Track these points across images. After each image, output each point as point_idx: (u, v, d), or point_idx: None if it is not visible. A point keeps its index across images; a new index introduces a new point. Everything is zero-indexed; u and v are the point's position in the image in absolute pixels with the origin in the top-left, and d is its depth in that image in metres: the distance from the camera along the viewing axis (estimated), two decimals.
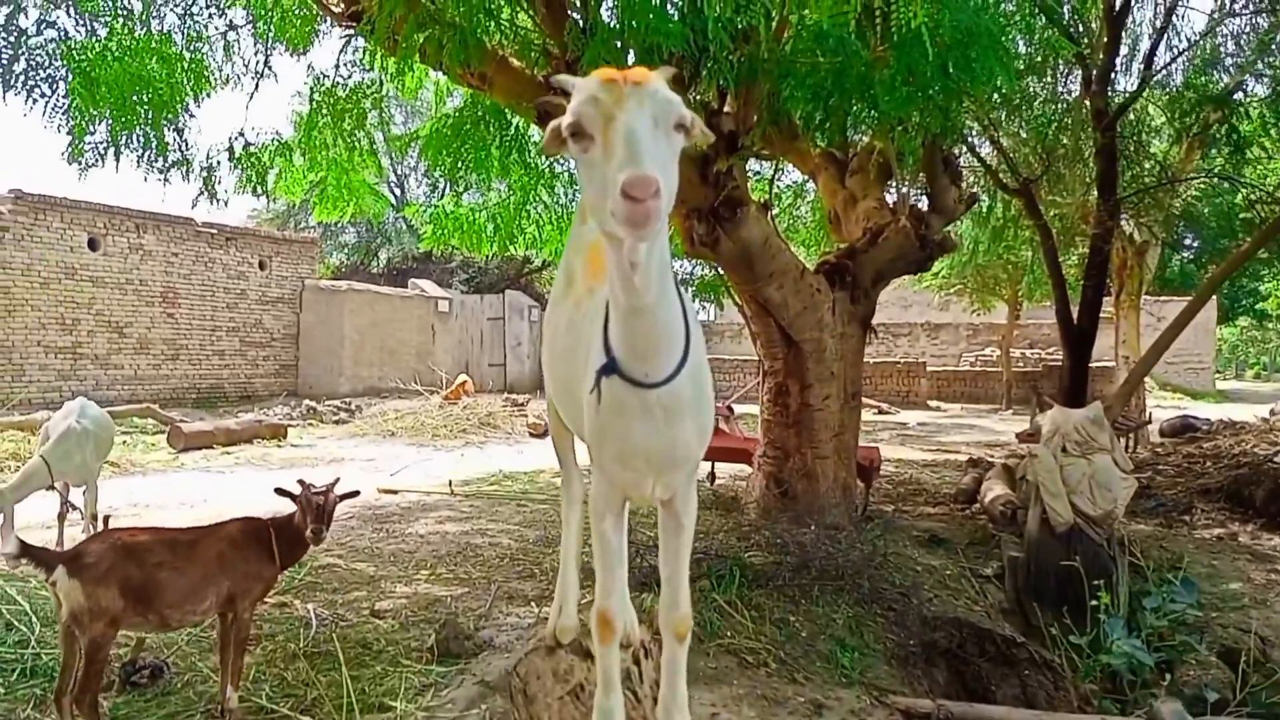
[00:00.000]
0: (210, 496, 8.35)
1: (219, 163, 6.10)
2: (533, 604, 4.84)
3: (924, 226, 7.40)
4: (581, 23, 5.43)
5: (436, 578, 5.41)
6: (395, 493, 8.65)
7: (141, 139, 5.24)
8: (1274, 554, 6.96)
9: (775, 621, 4.49)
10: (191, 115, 5.55)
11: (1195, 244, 21.53)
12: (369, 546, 6.19)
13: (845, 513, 7.02)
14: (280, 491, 3.54)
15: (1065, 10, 9.14)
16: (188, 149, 5.51)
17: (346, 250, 29.64)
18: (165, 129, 5.31)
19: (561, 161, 7.87)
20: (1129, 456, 8.39)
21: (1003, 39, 5.36)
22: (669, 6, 5.52)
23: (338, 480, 3.66)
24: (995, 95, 7.01)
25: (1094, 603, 4.74)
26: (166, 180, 5.45)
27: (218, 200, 6.25)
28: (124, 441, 11.95)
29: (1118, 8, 9.63)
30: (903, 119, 5.82)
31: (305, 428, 14.79)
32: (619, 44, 4.99)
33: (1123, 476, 5.94)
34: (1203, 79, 10.44)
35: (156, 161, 5.29)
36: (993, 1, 6.77)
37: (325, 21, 7.10)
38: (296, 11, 6.93)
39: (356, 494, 3.87)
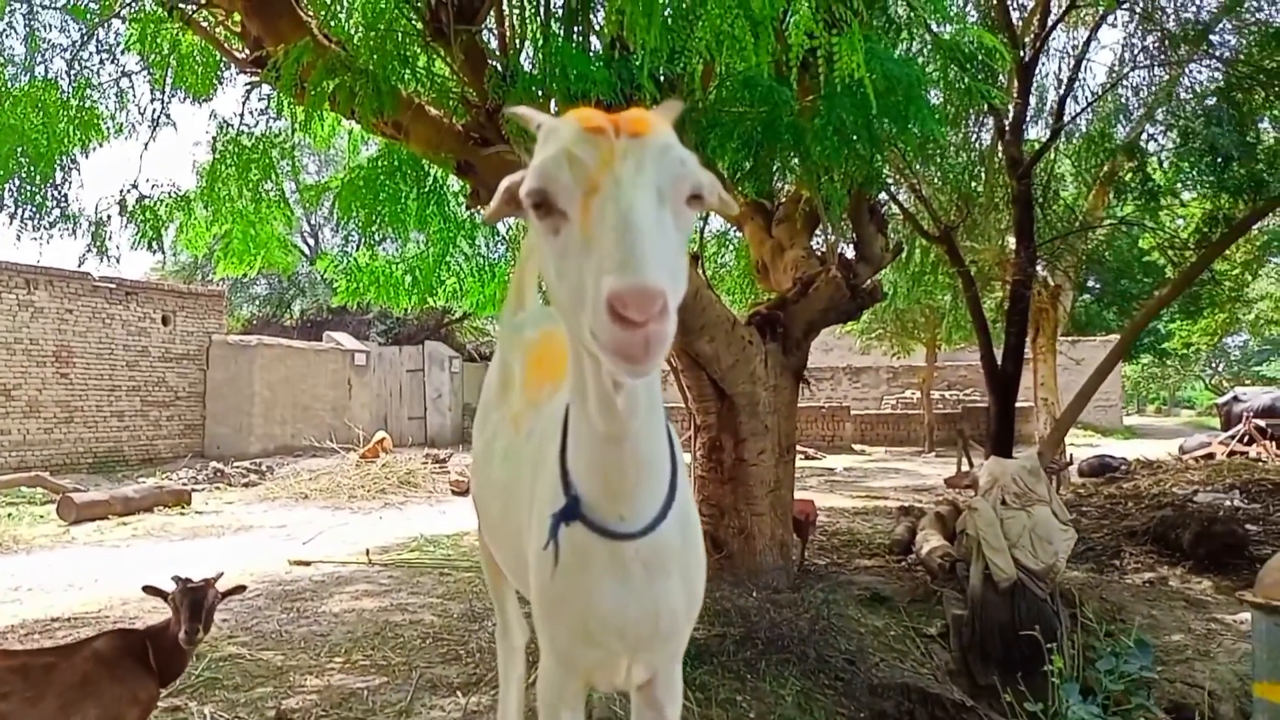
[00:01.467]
0: (102, 576, 7.67)
1: (109, 217, 5.64)
2: (458, 693, 4.44)
3: (853, 275, 7.34)
4: (501, 70, 5.21)
5: (352, 665, 4.95)
6: (308, 564, 8.09)
7: (16, 194, 4.77)
8: (1207, 599, 6.97)
9: (721, 703, 4.20)
10: (72, 167, 5.07)
11: (1098, 286, 22.34)
12: (277, 630, 5.68)
13: (784, 572, 6.81)
14: (150, 590, 3.11)
15: (975, 63, 9.39)
16: (67, 204, 5.05)
17: (258, 302, 28.66)
18: (42, 184, 4.85)
19: (483, 210, 7.60)
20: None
21: (924, 89, 5.36)
22: (590, 53, 5.36)
23: (220, 575, 3.25)
24: (921, 144, 7.01)
25: (1046, 667, 4.57)
26: (46, 239, 4.98)
27: (108, 257, 5.78)
28: (9, 515, 11.06)
29: (1027, 60, 9.90)
30: (829, 167, 5.74)
31: (211, 492, 13.96)
32: (541, 92, 4.78)
33: (1062, 528, 5.87)
34: (1108, 128, 10.81)
35: (32, 219, 4.82)
36: (913, 54, 6.84)
37: (229, 68, 6.75)
38: (197, 58, 6.57)
39: (242, 589, 3.46)
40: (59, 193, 5.11)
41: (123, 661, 2.91)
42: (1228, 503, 10.25)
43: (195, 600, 2.99)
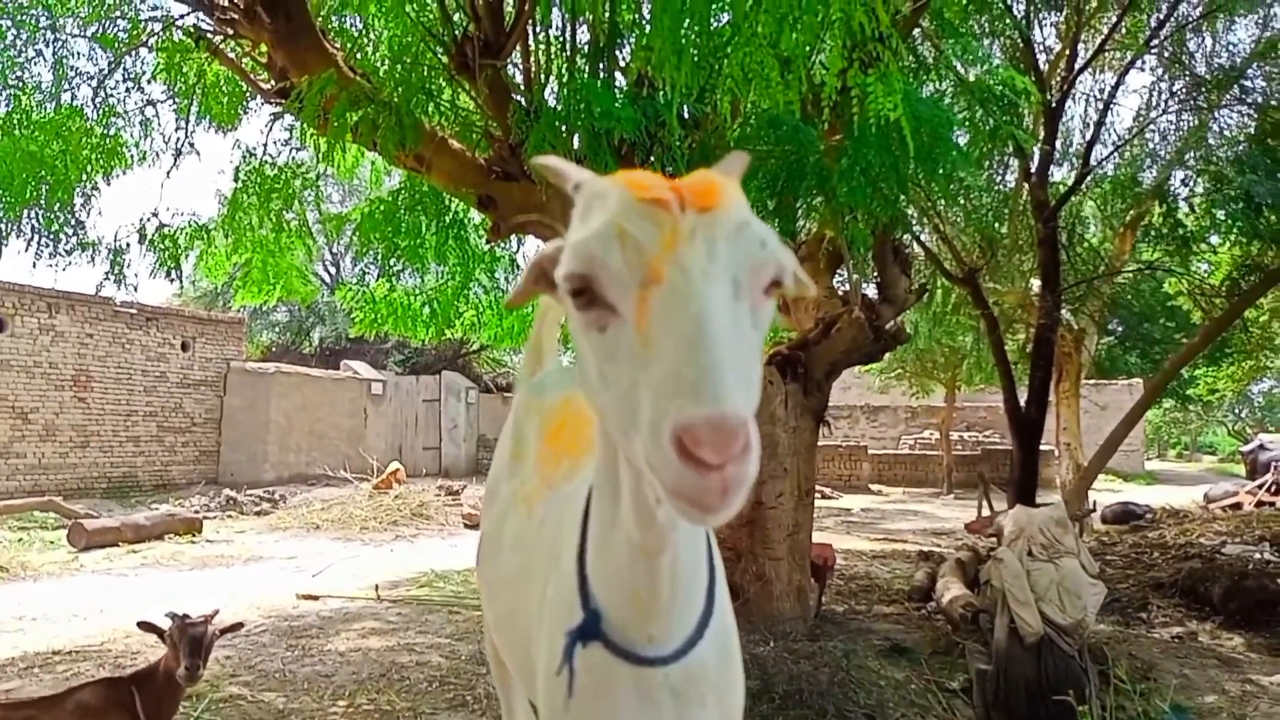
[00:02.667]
0: (108, 606, 7.57)
1: (128, 245, 5.62)
2: None
3: (876, 317, 7.23)
4: (525, 105, 5.18)
5: (355, 710, 4.82)
6: (316, 598, 7.97)
7: (35, 221, 4.75)
8: (1239, 657, 6.73)
9: None
10: (93, 194, 5.06)
11: (1120, 329, 22.12)
12: (281, 670, 5.56)
13: (801, 619, 6.64)
14: (146, 626, 3.01)
15: (1002, 104, 9.37)
16: (84, 232, 5.03)
17: (278, 330, 28.80)
18: (61, 210, 4.83)
19: (504, 244, 7.56)
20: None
21: (952, 130, 5.29)
22: (617, 91, 5.33)
23: (216, 612, 3.15)
24: (949, 185, 6.93)
25: None
26: (63, 265, 4.97)
27: (126, 284, 5.75)
28: (19, 540, 11.01)
29: (1054, 103, 9.83)
30: (853, 207, 5.66)
31: (223, 521, 13.89)
32: (564, 128, 4.74)
33: (1091, 581, 5.66)
34: (1135, 172, 10.71)
35: (48, 245, 4.79)
36: (940, 96, 6.79)
37: (255, 99, 6.78)
38: (223, 88, 6.60)
39: (239, 627, 3.36)
40: (76, 220, 5.09)
41: (108, 712, 2.79)
42: (1257, 555, 9.96)
43: (194, 637, 2.89)
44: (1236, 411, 47.47)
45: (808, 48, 3.78)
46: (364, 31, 6.60)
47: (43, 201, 4.73)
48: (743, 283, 0.94)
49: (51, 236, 4.82)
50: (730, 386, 0.84)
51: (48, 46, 5.54)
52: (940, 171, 4.87)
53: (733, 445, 0.81)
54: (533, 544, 1.52)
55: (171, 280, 6.23)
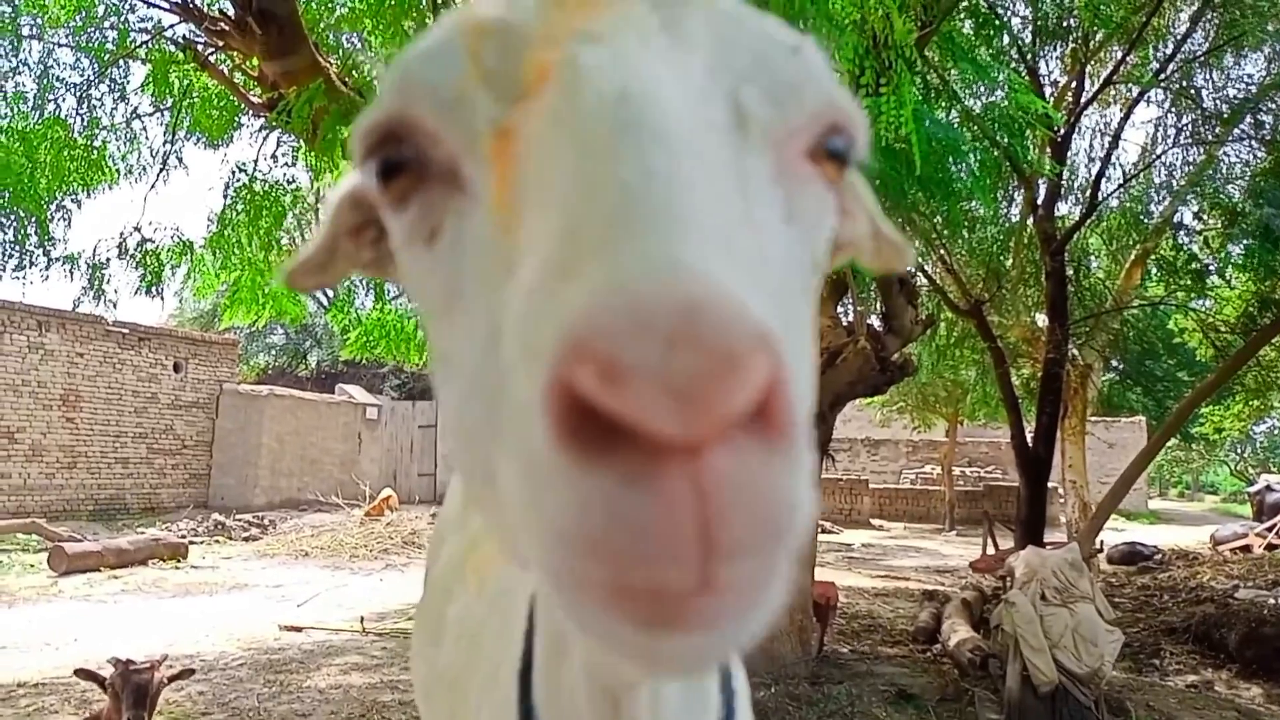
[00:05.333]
0: (82, 634, 7.29)
1: (108, 260, 5.42)
2: None
3: (881, 347, 7.03)
4: None
5: None
6: (299, 630, 7.68)
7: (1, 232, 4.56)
8: (1259, 709, 6.45)
9: None
10: (71, 207, 4.87)
11: (1120, 366, 21.93)
12: (256, 708, 5.28)
13: (803, 661, 6.37)
14: (83, 674, 2.77)
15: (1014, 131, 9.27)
16: (53, 245, 4.83)
17: (274, 352, 28.59)
18: (28, 222, 4.63)
19: None
20: None
21: (965, 154, 5.12)
22: None
23: (165, 657, 2.90)
24: (957, 212, 6.77)
25: None
26: (29, 279, 4.76)
27: (105, 300, 5.54)
28: None
29: (1060, 136, 9.70)
30: None
31: (210, 545, 13.59)
32: None
33: (1108, 628, 5.41)
34: (1143, 206, 10.57)
35: (13, 257, 4.60)
36: (948, 124, 6.63)
37: (246, 113, 6.62)
38: (214, 102, 6.44)
39: (191, 673, 3.11)
40: (45, 232, 4.89)
41: None
42: (1271, 601, 9.68)
43: (138, 685, 2.64)
44: (1239, 451, 47.19)
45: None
46: (360, 48, 6.47)
47: (10, 213, 4.54)
48: (753, 108, 0.45)
49: (17, 247, 4.63)
50: (708, 243, 0.34)
51: (34, 55, 5.39)
52: (953, 195, 4.67)
53: (716, 383, 0.30)
54: (479, 633, 1.05)
55: (153, 297, 5.96)
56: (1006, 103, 5.75)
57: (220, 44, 5.56)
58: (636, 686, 0.60)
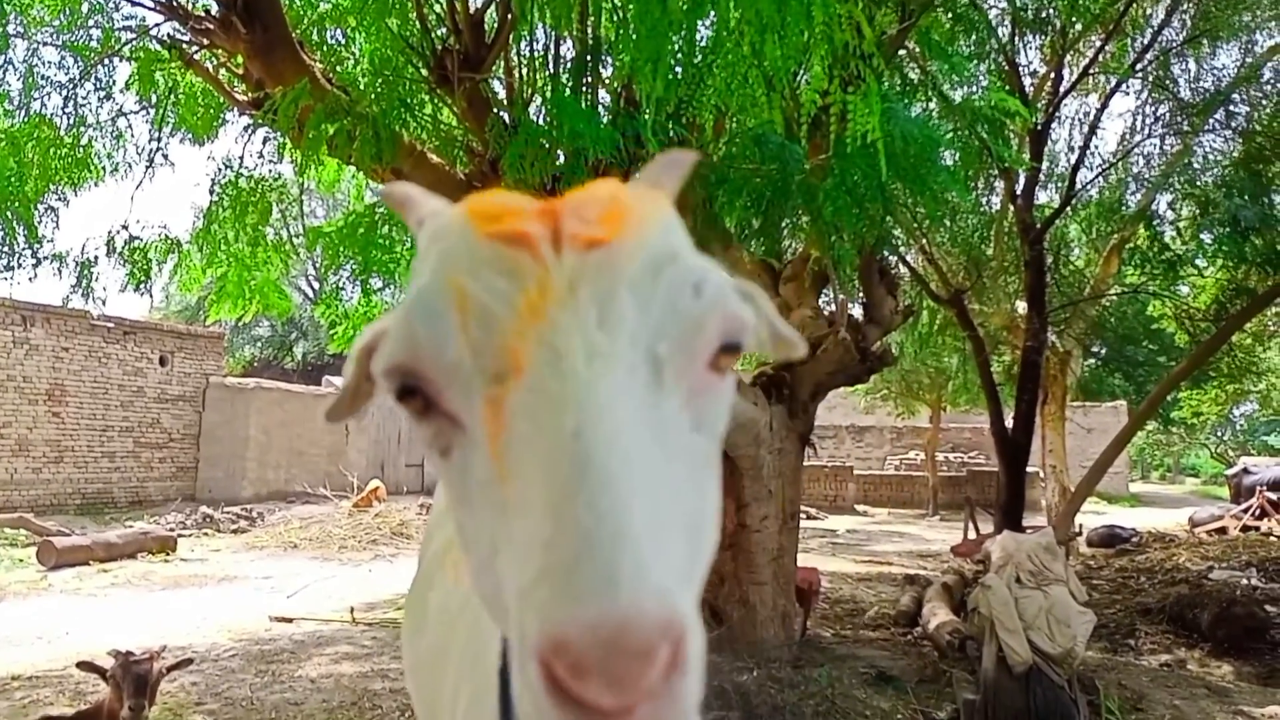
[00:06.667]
0: (74, 628, 7.35)
1: (95, 258, 5.47)
2: None
3: (862, 338, 7.14)
4: (506, 119, 5.08)
5: None
6: (289, 621, 7.78)
7: None
8: (1229, 687, 6.63)
9: None
10: (58, 205, 4.92)
11: (1103, 352, 22.18)
12: (249, 698, 5.37)
13: (785, 645, 6.50)
14: (85, 666, 2.86)
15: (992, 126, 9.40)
16: (39, 244, 4.88)
17: (260, 345, 28.55)
18: (13, 220, 4.68)
19: None
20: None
21: (940, 150, 5.22)
22: (600, 108, 5.23)
23: (164, 648, 2.99)
24: (937, 205, 6.88)
25: None
26: (15, 278, 4.82)
27: (94, 297, 5.60)
28: None
29: (1039, 126, 9.83)
30: (840, 227, 5.58)
31: (199, 538, 13.63)
32: (544, 144, 4.63)
33: (1080, 610, 5.56)
34: (1120, 195, 10.72)
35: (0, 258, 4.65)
36: (927, 116, 6.74)
37: (231, 111, 6.66)
38: (199, 100, 6.48)
39: (189, 663, 3.21)
40: (30, 230, 4.94)
41: None
42: (1245, 581, 9.90)
43: (138, 675, 2.73)
44: (1219, 434, 47.74)
45: (792, 63, 3.69)
46: (344, 44, 6.51)
47: None
48: (667, 358, 0.58)
49: (5, 247, 4.68)
50: (642, 559, 0.49)
51: (19, 54, 5.41)
52: (928, 191, 4.77)
53: (639, 674, 0.47)
54: (455, 620, 1.16)
55: (141, 294, 6.06)
56: (982, 100, 5.86)
57: (205, 42, 5.60)
58: None
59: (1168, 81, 10.39)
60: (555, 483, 0.51)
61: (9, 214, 4.73)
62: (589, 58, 5.27)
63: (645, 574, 0.48)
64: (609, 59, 5.54)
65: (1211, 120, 9.78)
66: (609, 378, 0.55)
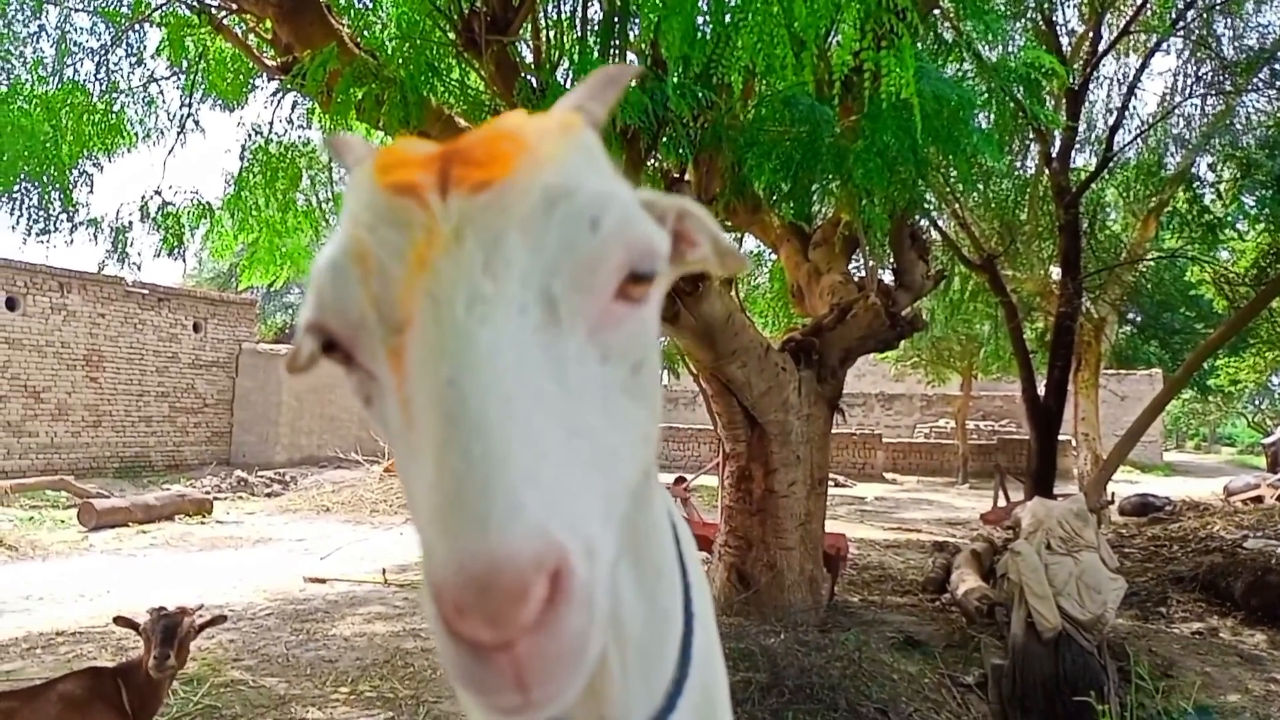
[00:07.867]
0: (115, 586, 7.55)
1: (130, 223, 5.52)
2: None
3: (892, 303, 7.08)
4: (534, 82, 5.04)
5: (357, 696, 4.75)
6: (323, 581, 7.92)
7: (24, 198, 4.66)
8: (1261, 654, 6.58)
9: None
10: (94, 171, 4.96)
11: (1139, 319, 21.83)
12: (284, 655, 5.50)
13: (812, 610, 6.53)
14: (121, 621, 2.93)
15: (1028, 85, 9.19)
16: (75, 209, 4.93)
17: (291, 311, 28.81)
18: (51, 186, 4.74)
19: None
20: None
21: (974, 111, 5.12)
22: None
23: (201, 606, 3.06)
24: (970, 168, 6.77)
25: None
26: (53, 243, 4.89)
27: (129, 263, 5.66)
28: (30, 519, 11.03)
29: (1076, 86, 9.61)
30: (871, 191, 5.51)
31: (234, 502, 13.90)
32: None
33: (1111, 576, 5.52)
34: (1159, 157, 10.48)
35: (38, 221, 4.71)
36: (961, 77, 6.61)
37: (261, 76, 6.66)
38: (229, 65, 6.49)
39: (223, 620, 3.28)
40: (67, 196, 5.00)
41: (93, 704, 2.71)
42: (1279, 550, 9.78)
43: (168, 627, 2.79)
44: (1257, 403, 46.90)
45: (823, 21, 3.62)
46: (372, 8, 6.49)
47: (25, 176, 4.63)
48: (562, 295, 0.58)
49: (42, 212, 4.74)
50: (518, 500, 0.50)
51: (53, 21, 5.45)
52: (961, 152, 4.69)
53: (513, 610, 0.48)
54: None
55: (175, 259, 6.13)
56: (1017, 60, 5.73)
57: (234, 6, 5.60)
58: None
59: (1210, 39, 10.10)
60: (436, 430, 0.53)
61: (45, 179, 4.78)
62: (616, 19, 5.21)
63: (519, 513, 0.49)
64: (637, 21, 5.48)
65: (1255, 79, 9.50)
66: (490, 323, 0.55)
